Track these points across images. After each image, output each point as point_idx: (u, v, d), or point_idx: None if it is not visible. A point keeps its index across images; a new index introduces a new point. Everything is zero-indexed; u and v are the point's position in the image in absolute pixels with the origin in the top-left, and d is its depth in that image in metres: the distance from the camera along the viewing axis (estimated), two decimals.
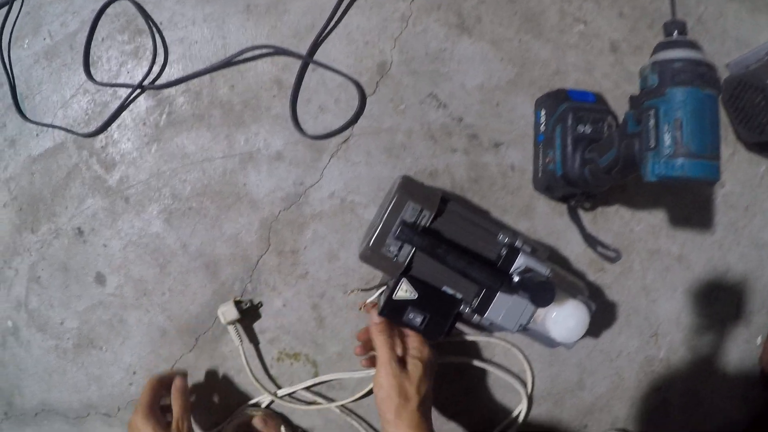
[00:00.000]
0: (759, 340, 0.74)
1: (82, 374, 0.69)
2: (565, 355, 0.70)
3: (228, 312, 0.64)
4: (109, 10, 0.68)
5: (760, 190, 0.74)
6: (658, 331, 0.72)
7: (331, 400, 0.68)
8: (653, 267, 0.72)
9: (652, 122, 0.48)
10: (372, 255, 0.55)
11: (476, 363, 0.68)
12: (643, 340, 0.72)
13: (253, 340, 0.68)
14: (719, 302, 0.73)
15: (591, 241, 0.69)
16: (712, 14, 0.73)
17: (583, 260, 0.70)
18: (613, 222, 0.71)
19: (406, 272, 0.56)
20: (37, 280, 0.69)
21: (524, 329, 0.59)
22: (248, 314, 0.67)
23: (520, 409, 0.69)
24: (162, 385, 0.61)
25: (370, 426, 0.69)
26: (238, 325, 0.66)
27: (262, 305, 0.67)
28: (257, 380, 0.66)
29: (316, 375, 0.68)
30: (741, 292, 0.74)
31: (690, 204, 0.72)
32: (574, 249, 0.70)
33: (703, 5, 0.72)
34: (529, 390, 0.70)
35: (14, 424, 0.71)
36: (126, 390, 0.69)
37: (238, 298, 0.65)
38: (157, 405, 0.59)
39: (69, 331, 0.69)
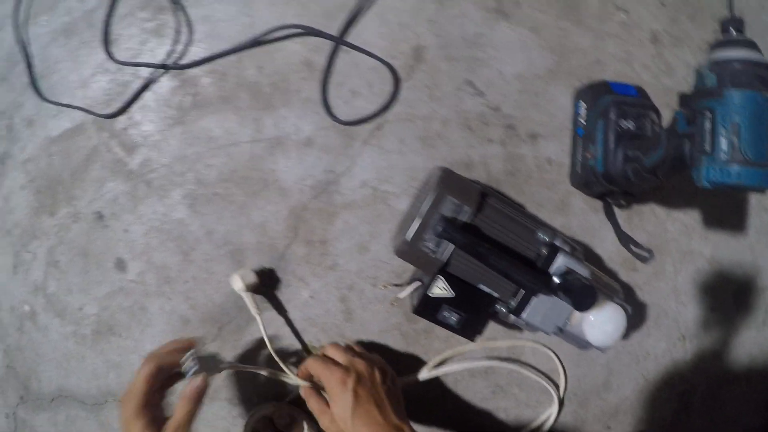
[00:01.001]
0: None
1: (101, 361, 0.66)
2: (594, 355, 0.68)
3: (246, 275, 0.59)
4: None
5: None
6: (685, 334, 0.70)
7: None
8: (685, 268, 0.69)
9: (707, 125, 0.45)
10: (409, 250, 0.52)
11: (507, 365, 0.65)
12: (671, 342, 0.70)
13: (278, 328, 0.65)
14: (748, 306, 0.71)
15: (625, 239, 0.66)
16: (754, 8, 0.69)
17: (616, 259, 0.67)
18: (648, 221, 0.68)
19: (444, 270, 0.53)
20: (55, 264, 0.65)
21: (560, 331, 0.56)
22: (266, 281, 0.62)
23: (549, 413, 0.67)
24: (163, 372, 0.49)
25: None
26: (256, 296, 0.61)
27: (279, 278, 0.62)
28: (280, 360, 0.62)
29: None
30: None
31: (724, 205, 0.70)
32: (608, 247, 0.67)
33: None
34: (562, 393, 0.67)
35: (30, 409, 0.69)
36: None
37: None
38: (154, 398, 0.49)
39: (88, 317, 0.66)
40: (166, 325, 0.65)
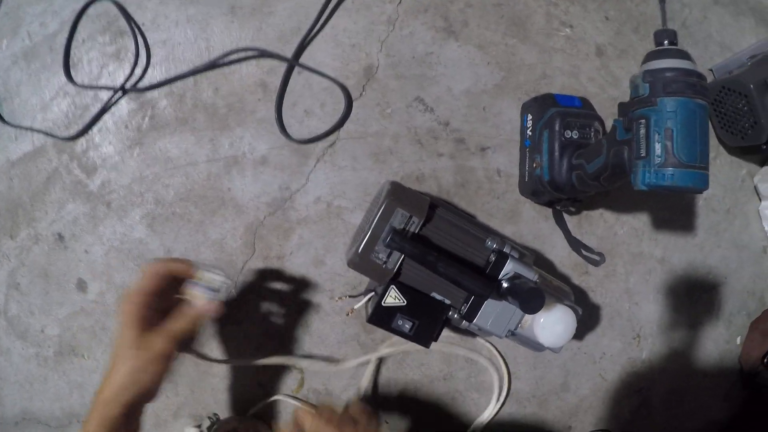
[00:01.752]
0: (739, 340, 0.74)
1: (64, 382, 0.66)
2: (550, 357, 0.69)
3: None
4: (89, 11, 0.64)
5: (740, 193, 0.72)
6: (640, 333, 0.71)
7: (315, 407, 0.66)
8: (636, 270, 0.70)
9: (642, 131, 0.47)
10: (361, 262, 0.52)
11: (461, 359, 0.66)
12: (626, 342, 0.71)
13: (239, 342, 0.65)
14: (700, 304, 0.72)
15: (576, 244, 0.68)
16: (696, 18, 0.71)
17: (567, 264, 0.68)
18: (597, 226, 0.69)
19: (395, 279, 0.53)
20: (16, 286, 0.65)
21: (512, 334, 0.57)
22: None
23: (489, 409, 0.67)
24: (167, 278, 0.48)
25: None
26: None
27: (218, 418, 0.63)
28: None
29: (302, 381, 0.65)
30: (721, 294, 0.73)
31: (672, 207, 0.71)
32: (559, 253, 0.68)
33: (688, 9, 0.70)
34: (504, 393, 0.68)
35: None
36: None
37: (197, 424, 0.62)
38: (153, 300, 0.47)
39: (50, 339, 0.65)
40: None
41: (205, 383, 0.65)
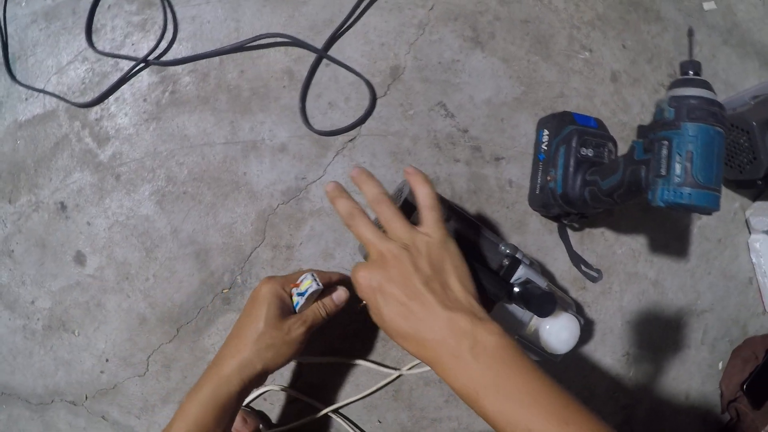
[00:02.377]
0: (720, 365, 0.76)
1: (50, 358, 0.63)
2: (545, 366, 0.69)
3: None
4: None
5: (732, 225, 0.75)
6: (629, 351, 0.73)
7: (313, 399, 0.64)
8: (630, 289, 0.72)
9: (665, 152, 0.49)
10: None
11: None
12: (616, 358, 0.72)
13: None
14: (687, 327, 0.75)
15: (576, 259, 0.69)
16: (706, 56, 0.74)
17: (567, 277, 0.70)
18: (598, 243, 0.71)
19: None
20: (10, 254, 0.62)
21: (517, 339, 0.57)
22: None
23: None
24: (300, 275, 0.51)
25: (354, 425, 0.66)
26: None
27: None
28: None
29: (299, 375, 0.64)
30: (707, 320, 0.75)
31: (669, 232, 0.73)
32: (560, 266, 0.69)
33: (699, 46, 0.73)
34: None
35: None
36: (96, 378, 0.63)
37: None
38: (287, 293, 0.50)
39: (40, 312, 0.62)
40: (122, 322, 0.62)
41: (198, 369, 0.63)
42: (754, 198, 0.76)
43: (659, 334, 0.73)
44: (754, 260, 0.75)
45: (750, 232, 0.76)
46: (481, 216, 0.67)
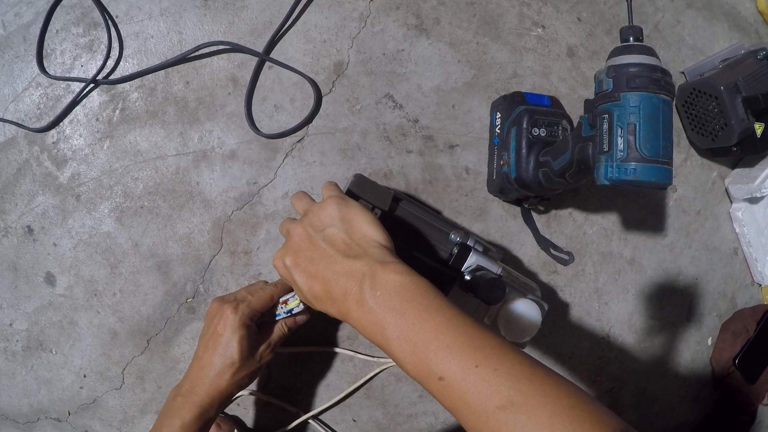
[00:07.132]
0: (710, 341, 0.69)
1: (32, 378, 0.61)
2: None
3: None
4: (64, 2, 0.60)
5: (711, 195, 0.68)
6: (609, 332, 0.67)
7: (286, 402, 0.61)
8: (605, 270, 0.66)
9: (605, 126, 0.43)
10: None
11: None
12: (595, 341, 0.67)
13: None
14: (671, 305, 0.68)
15: (544, 243, 0.64)
16: (670, 22, 0.67)
17: (536, 262, 0.64)
18: (567, 225, 0.65)
19: None
20: None
21: None
22: None
23: None
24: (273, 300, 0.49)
25: (329, 428, 0.63)
26: None
27: None
28: None
29: (269, 378, 0.61)
30: (692, 295, 0.68)
31: (643, 208, 0.67)
32: (528, 251, 0.64)
33: (661, 13, 0.66)
34: None
35: None
36: (77, 393, 0.61)
37: None
38: (259, 317, 0.49)
39: (18, 333, 0.61)
40: (95, 338, 0.61)
41: (170, 379, 0.61)
42: (733, 165, 0.68)
43: (641, 313, 0.67)
44: (737, 230, 0.68)
45: (731, 202, 0.68)
46: (440, 206, 0.62)
